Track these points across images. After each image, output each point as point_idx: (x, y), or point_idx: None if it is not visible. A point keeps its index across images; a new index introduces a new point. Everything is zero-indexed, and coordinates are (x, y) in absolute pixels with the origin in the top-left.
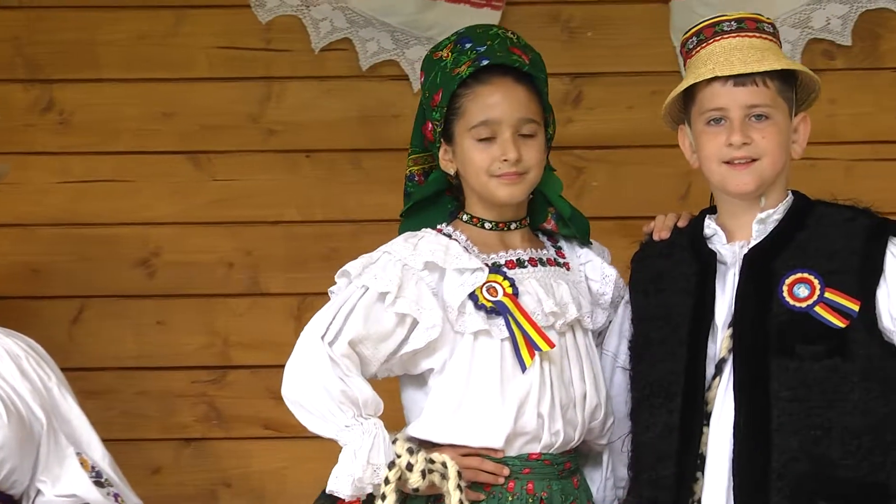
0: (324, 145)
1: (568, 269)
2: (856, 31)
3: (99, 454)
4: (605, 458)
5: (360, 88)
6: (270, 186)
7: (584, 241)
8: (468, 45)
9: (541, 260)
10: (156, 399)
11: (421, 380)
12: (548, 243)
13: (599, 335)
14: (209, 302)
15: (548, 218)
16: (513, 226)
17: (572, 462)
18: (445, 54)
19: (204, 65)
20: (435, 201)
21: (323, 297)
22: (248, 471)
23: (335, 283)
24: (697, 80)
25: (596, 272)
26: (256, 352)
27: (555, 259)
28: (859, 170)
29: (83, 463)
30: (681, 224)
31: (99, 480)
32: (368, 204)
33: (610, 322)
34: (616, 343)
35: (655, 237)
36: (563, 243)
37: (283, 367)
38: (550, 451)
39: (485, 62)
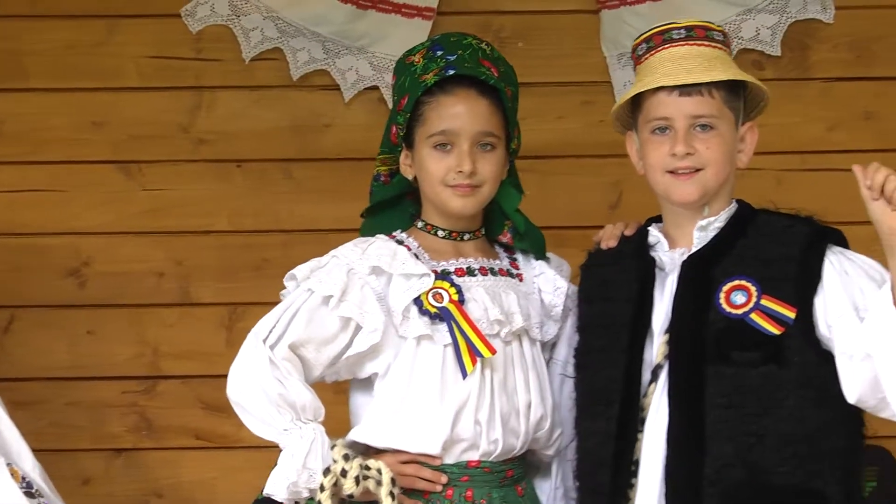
0: (254, 155)
1: (521, 280)
2: (785, 41)
3: (29, 465)
4: (553, 467)
5: (291, 98)
6: (201, 196)
7: (540, 255)
8: (439, 53)
9: (492, 269)
10: (86, 409)
11: (367, 384)
12: (503, 254)
13: (553, 347)
14: (140, 312)
15: (504, 231)
16: (466, 236)
17: (515, 470)
18: (417, 59)
19: (134, 74)
20: (396, 203)
21: (254, 306)
22: (179, 481)
23: (265, 292)
24: (644, 89)
25: (548, 284)
26: (187, 362)
27: (507, 270)
28: (788, 180)
29: (13, 474)
30: (627, 233)
31: (29, 491)
32: (299, 214)
33: (554, 334)
34: (565, 352)
35: (603, 246)
36: (518, 255)
37: (213, 377)
38: (490, 459)
39: (451, 72)
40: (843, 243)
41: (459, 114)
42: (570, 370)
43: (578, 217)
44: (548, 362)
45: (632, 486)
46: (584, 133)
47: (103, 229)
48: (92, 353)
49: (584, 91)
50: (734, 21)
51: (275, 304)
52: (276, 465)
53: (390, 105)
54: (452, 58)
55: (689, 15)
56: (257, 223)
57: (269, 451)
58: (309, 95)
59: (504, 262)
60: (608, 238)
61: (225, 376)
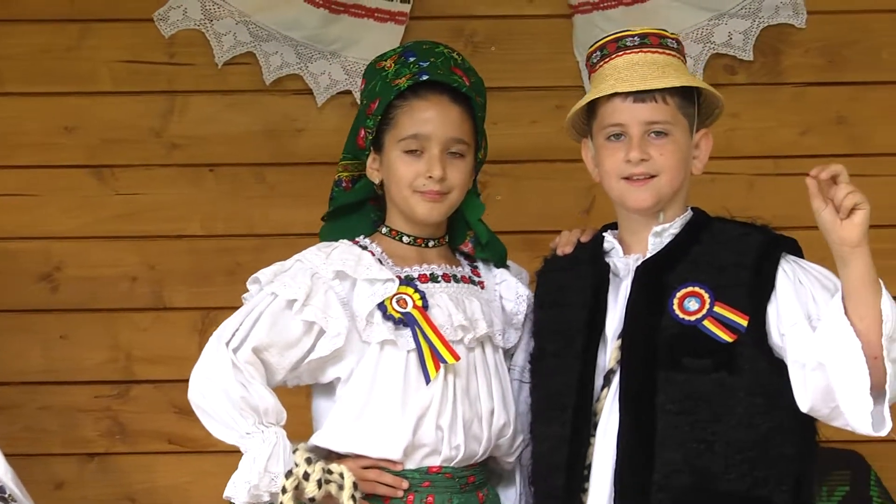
0: (227, 159)
1: (483, 287)
2: (757, 46)
3: (2, 469)
4: (517, 475)
5: (264, 102)
6: (174, 200)
7: (501, 265)
8: (412, 59)
9: (455, 276)
10: (59, 414)
11: (329, 389)
12: (465, 262)
13: (513, 354)
14: (112, 316)
15: (465, 240)
16: (430, 243)
17: (476, 476)
18: (388, 65)
19: (107, 78)
20: (358, 209)
21: (227, 311)
22: (153, 485)
23: (239, 297)
24: (598, 96)
25: (510, 292)
26: (160, 366)
27: (469, 277)
28: (760, 185)
29: None
30: (584, 239)
31: (2, 496)
32: (272, 218)
33: (515, 341)
34: (522, 358)
35: (559, 252)
36: (479, 263)
37: (186, 381)
38: (451, 465)
39: (424, 77)
40: (798, 252)
41: (431, 119)
42: (527, 376)
43: (551, 221)
44: (508, 369)
45: (584, 491)
46: (558, 138)
47: (76, 234)
48: (65, 358)
49: (557, 96)
50: (706, 26)
51: None
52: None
53: None
54: (425, 64)
55: (662, 19)
56: (230, 227)
57: (241, 456)
58: (282, 100)
59: (466, 270)
60: (564, 244)
61: None
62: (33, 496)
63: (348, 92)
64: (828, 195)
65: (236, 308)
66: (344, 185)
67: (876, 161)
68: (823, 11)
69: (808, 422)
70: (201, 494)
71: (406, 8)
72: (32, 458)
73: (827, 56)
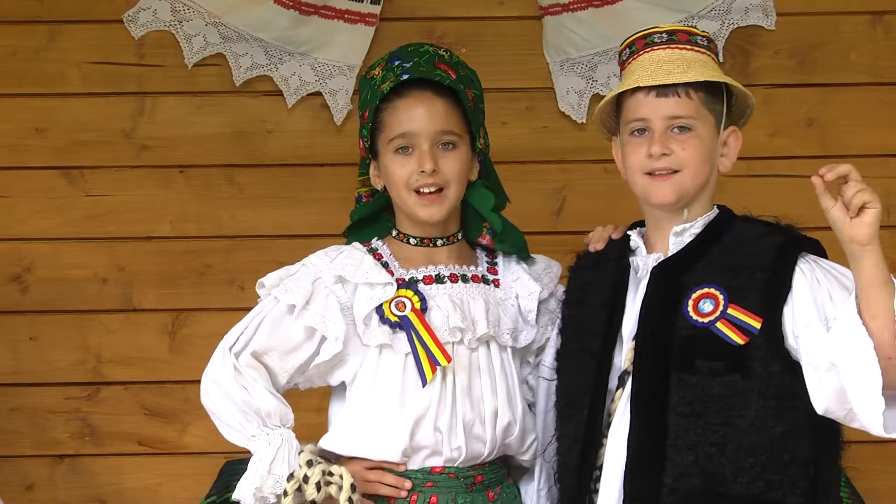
0: (197, 161)
1: (497, 286)
2: (727, 47)
3: None
4: (537, 469)
5: (234, 104)
6: (144, 202)
7: (522, 256)
8: (396, 63)
9: (464, 276)
10: (29, 415)
11: (342, 392)
12: (483, 259)
13: (541, 350)
14: (82, 318)
15: (483, 232)
16: (439, 242)
17: (486, 476)
18: (377, 72)
19: (77, 80)
20: (375, 220)
21: (197, 312)
22: (122, 487)
23: (209, 298)
24: (621, 91)
25: (524, 289)
26: (130, 368)
27: (482, 276)
28: (732, 186)
29: None
30: (615, 236)
31: None
32: (242, 219)
33: (547, 338)
34: (551, 355)
35: (591, 249)
36: (499, 260)
37: (156, 383)
38: (455, 465)
39: (405, 77)
40: (820, 252)
41: (416, 115)
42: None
43: (522, 222)
44: (537, 366)
45: (596, 492)
46: (528, 139)
47: (46, 235)
48: (34, 359)
49: (528, 97)
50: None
51: (218, 310)
52: (217, 471)
53: (333, 111)
54: (409, 64)
55: (632, 20)
56: (200, 229)
57: (211, 458)
58: (251, 101)
59: (482, 268)
60: (596, 240)
61: (167, 382)
62: (3, 498)
63: (318, 93)
64: (837, 193)
65: (206, 310)
66: (364, 199)
67: (846, 162)
68: (793, 13)
69: (828, 424)
70: (171, 496)
71: (376, 9)
72: (2, 460)
73: (797, 58)
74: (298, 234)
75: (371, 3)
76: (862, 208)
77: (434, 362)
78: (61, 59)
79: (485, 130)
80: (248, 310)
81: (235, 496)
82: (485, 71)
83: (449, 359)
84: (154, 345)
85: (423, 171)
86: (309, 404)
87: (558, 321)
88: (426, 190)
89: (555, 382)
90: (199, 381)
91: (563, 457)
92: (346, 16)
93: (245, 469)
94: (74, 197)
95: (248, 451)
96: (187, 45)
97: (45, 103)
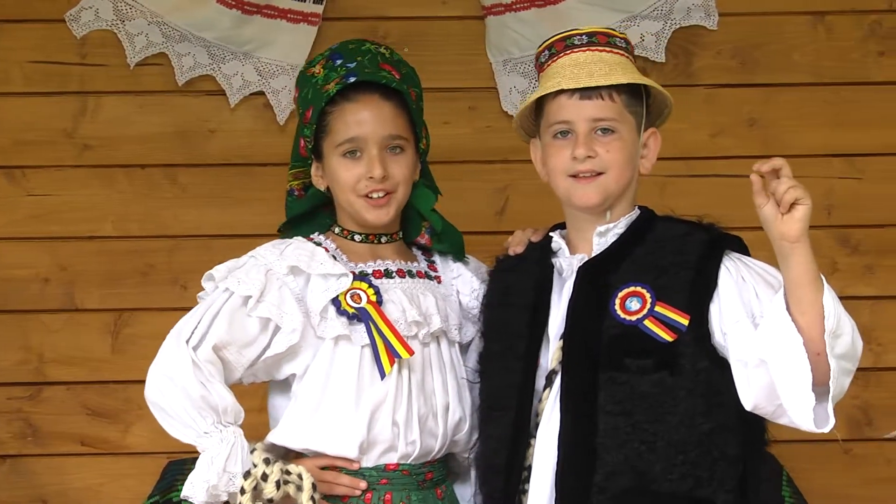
0: (140, 160)
1: (439, 282)
2: (669, 47)
3: None
4: (473, 473)
5: (177, 103)
6: (86, 201)
7: (458, 257)
8: (339, 62)
9: (410, 272)
10: None
11: (285, 386)
12: (421, 257)
13: (468, 352)
14: (24, 318)
15: (422, 232)
16: (383, 239)
17: (435, 473)
18: (318, 70)
19: (18, 79)
20: (312, 217)
21: (140, 312)
22: (65, 487)
23: (152, 298)
24: (544, 93)
25: (466, 286)
26: (72, 368)
27: (425, 272)
28: (673, 186)
29: None
30: (535, 239)
31: None
32: (185, 219)
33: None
34: (474, 358)
35: (511, 252)
36: (436, 258)
37: (99, 383)
38: (409, 462)
39: (352, 79)
40: (743, 249)
41: (365, 120)
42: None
43: (465, 223)
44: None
45: (525, 493)
46: (471, 139)
47: None
48: None
49: (470, 97)
50: (618, 27)
51: (161, 309)
52: (160, 471)
53: (276, 111)
54: (352, 65)
55: (574, 21)
56: (143, 229)
57: (153, 458)
58: (194, 101)
59: (422, 265)
60: (516, 244)
61: (110, 382)
62: None
63: (261, 93)
64: (769, 190)
65: (149, 309)
66: (296, 193)
67: (788, 162)
68: (735, 13)
69: (755, 422)
70: (114, 496)
71: (319, 9)
72: None
73: (739, 58)
74: (241, 234)
75: (314, 2)
76: (793, 205)
77: (394, 354)
78: (3, 59)
79: (426, 129)
80: (191, 309)
81: (185, 493)
82: (427, 70)
83: (411, 352)
84: (96, 345)
85: (371, 178)
86: (252, 404)
87: (479, 324)
88: (376, 195)
89: (477, 385)
90: (142, 382)
91: (488, 458)
92: (288, 15)
93: (189, 468)
94: (16, 197)
95: (193, 451)
96: (129, 44)
97: None
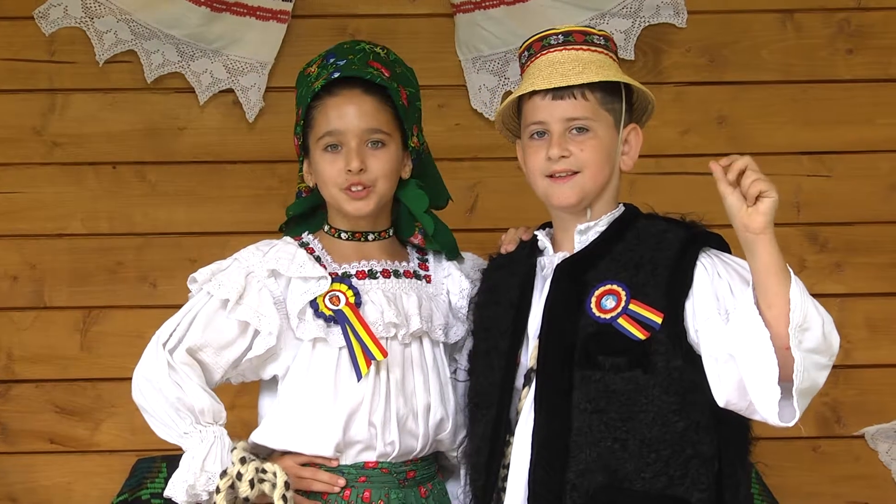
0: (109, 158)
1: (429, 281)
2: (639, 45)
3: None
4: (462, 470)
5: (146, 101)
6: (55, 199)
7: (452, 256)
8: (331, 60)
9: (396, 272)
10: None
11: (273, 386)
12: (413, 255)
13: (460, 351)
14: None
15: (415, 232)
16: (370, 236)
17: (418, 471)
18: (313, 69)
19: None
20: (311, 216)
21: (108, 310)
22: (34, 485)
23: (121, 296)
24: (519, 95)
25: (455, 286)
26: (41, 366)
27: (414, 272)
28: (642, 183)
29: None
30: (525, 237)
31: None
32: (154, 217)
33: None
34: (465, 357)
35: (502, 250)
36: (430, 256)
37: (68, 380)
38: (388, 460)
39: (336, 75)
40: (723, 247)
41: (344, 113)
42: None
43: None
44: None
45: (503, 490)
46: (440, 136)
47: None
48: None
49: (440, 94)
50: (587, 25)
51: (130, 307)
52: (129, 468)
53: (245, 108)
54: (342, 63)
55: (544, 19)
56: (112, 226)
57: (123, 456)
58: (163, 98)
59: (413, 264)
60: (508, 242)
61: (80, 380)
62: None
63: (230, 90)
64: (733, 183)
65: (118, 307)
66: (304, 194)
67: (756, 160)
68: (704, 11)
69: (733, 420)
70: (83, 494)
71: (288, 6)
72: None
73: (707, 55)
74: (210, 232)
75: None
76: (758, 197)
77: (369, 357)
78: None
79: (419, 129)
80: (160, 307)
81: (168, 493)
82: None
83: (385, 353)
84: (65, 342)
85: (349, 171)
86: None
87: (470, 323)
88: (355, 188)
89: (466, 384)
90: (111, 379)
91: (473, 457)
92: (258, 13)
93: (158, 466)
94: None
95: (161, 449)
96: (98, 41)
97: None
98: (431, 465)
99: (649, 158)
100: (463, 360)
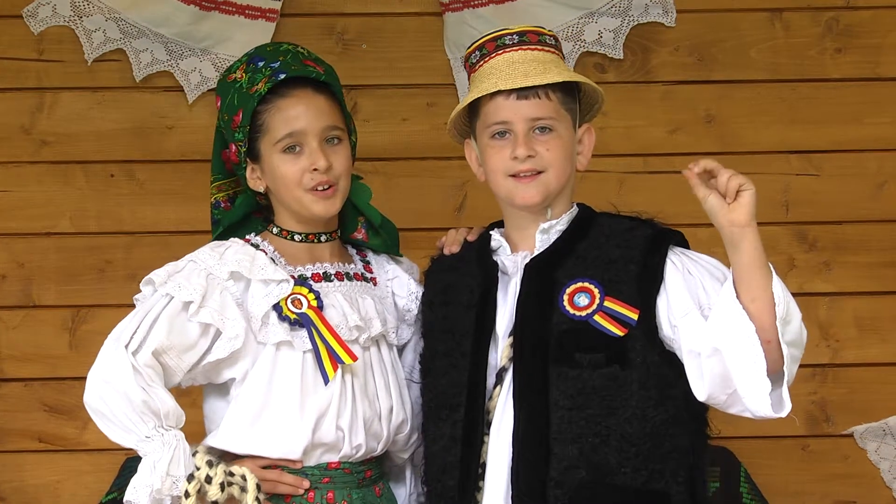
0: (97, 157)
1: (375, 284)
2: (627, 44)
3: None
4: (408, 474)
5: (134, 99)
6: (43, 198)
7: (394, 255)
8: (261, 64)
9: (347, 274)
10: None
11: (223, 389)
12: (356, 258)
13: (400, 352)
14: None
15: (358, 227)
16: (323, 238)
17: (374, 470)
18: (239, 75)
19: None
20: (244, 224)
21: (97, 308)
22: (23, 484)
23: (109, 294)
24: (481, 95)
25: (402, 288)
26: (30, 365)
27: (362, 274)
28: (631, 182)
29: None
30: (470, 238)
31: None
32: (142, 216)
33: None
34: (411, 357)
35: (446, 251)
36: (371, 258)
37: (56, 379)
38: (350, 461)
39: (282, 76)
40: (684, 244)
41: (301, 114)
42: (417, 375)
43: (423, 219)
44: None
45: (479, 489)
46: (429, 135)
47: None
48: None
49: (428, 93)
50: (576, 24)
51: (118, 306)
52: (118, 468)
53: None
54: (277, 64)
55: (532, 18)
56: (100, 225)
57: (111, 455)
58: (152, 97)
59: (358, 266)
60: (451, 243)
61: (68, 379)
62: None
63: None
64: (709, 186)
65: (107, 306)
66: (223, 205)
67: (744, 159)
68: (692, 10)
69: (699, 413)
70: (71, 492)
71: (277, 5)
72: None
73: (696, 54)
74: (198, 231)
75: None
76: (738, 192)
77: (337, 360)
78: None
79: (353, 123)
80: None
81: (128, 498)
82: (385, 67)
83: (354, 357)
84: (54, 341)
85: (316, 169)
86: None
87: (418, 324)
88: (321, 188)
89: (416, 384)
90: None
91: (439, 457)
92: (246, 11)
93: None
94: None
95: None
96: (87, 40)
97: None
98: (382, 465)
99: (637, 157)
100: (407, 361)
